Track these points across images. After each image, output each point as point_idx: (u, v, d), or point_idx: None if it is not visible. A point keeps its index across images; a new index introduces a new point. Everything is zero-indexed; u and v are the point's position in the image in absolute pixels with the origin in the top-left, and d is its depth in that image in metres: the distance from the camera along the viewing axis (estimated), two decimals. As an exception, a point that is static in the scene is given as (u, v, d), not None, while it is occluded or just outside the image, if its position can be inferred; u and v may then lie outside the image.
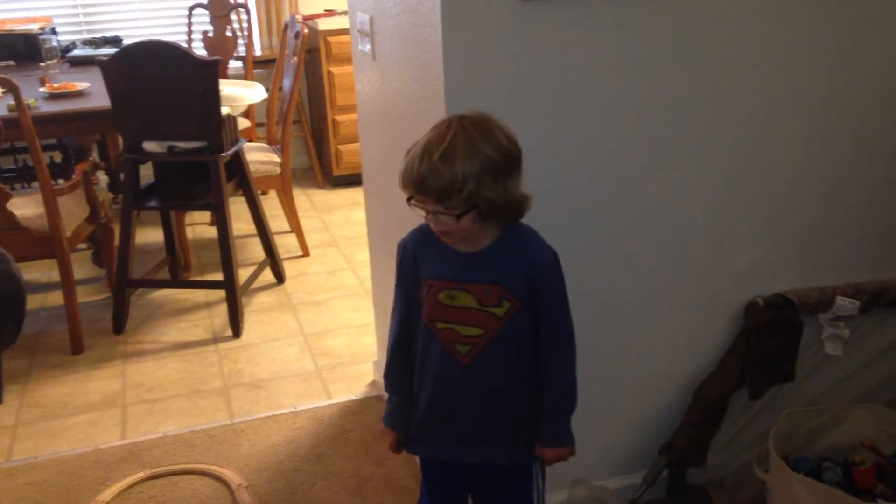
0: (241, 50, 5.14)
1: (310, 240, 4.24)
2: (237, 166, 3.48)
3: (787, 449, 2.18)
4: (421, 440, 1.71)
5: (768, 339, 2.14)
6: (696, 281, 2.13)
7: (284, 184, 4.07)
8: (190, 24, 5.11)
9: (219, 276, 3.44)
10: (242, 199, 3.65)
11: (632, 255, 2.06)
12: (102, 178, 4.71)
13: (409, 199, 1.50)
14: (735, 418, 2.23)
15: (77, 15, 5.13)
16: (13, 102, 3.02)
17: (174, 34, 5.13)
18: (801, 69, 2.02)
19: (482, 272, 1.52)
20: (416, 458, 2.42)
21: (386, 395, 1.77)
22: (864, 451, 2.20)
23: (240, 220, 4.26)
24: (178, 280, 3.84)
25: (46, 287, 3.87)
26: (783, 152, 2.08)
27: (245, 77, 5.02)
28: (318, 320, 3.47)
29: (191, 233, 4.40)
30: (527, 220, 1.92)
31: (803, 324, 2.17)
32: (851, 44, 2.04)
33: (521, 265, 1.54)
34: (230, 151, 3.30)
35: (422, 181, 1.42)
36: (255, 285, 3.76)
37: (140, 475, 2.48)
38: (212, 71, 3.07)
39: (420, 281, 1.58)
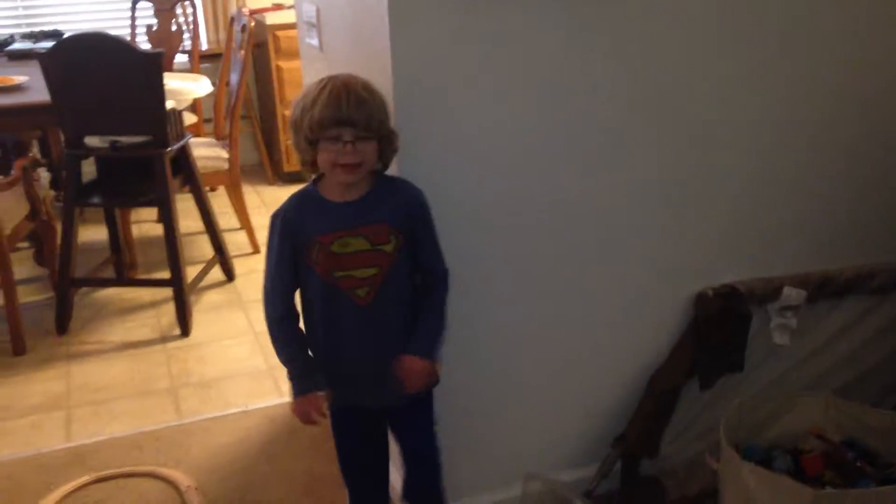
0: (187, 44, 5.05)
1: (260, 236, 4.18)
2: (184, 162, 3.42)
3: (738, 438, 2.20)
4: (340, 395, 1.81)
5: (717, 330, 2.16)
6: (646, 272, 2.14)
7: (233, 180, 4.01)
8: (133, 18, 5.00)
9: (166, 275, 3.37)
10: (190, 195, 3.59)
11: (581, 247, 2.06)
12: (44, 175, 4.59)
13: (315, 142, 1.63)
14: (686, 409, 2.25)
15: (16, 8, 5.00)
16: (-52, 97, 2.93)
17: (117, 28, 5.01)
18: (753, 63, 2.03)
19: (368, 215, 1.69)
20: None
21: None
22: (812, 440, 2.23)
23: (188, 217, 4.17)
24: (124, 278, 3.76)
25: (-14, 287, 3.76)
26: (732, 146, 2.09)
27: (191, 71, 4.94)
28: (269, 318, 3.42)
29: (136, 230, 4.30)
30: (474, 213, 1.93)
31: (752, 314, 2.18)
32: (805, 38, 2.06)
33: (400, 204, 1.72)
34: (175, 146, 3.24)
35: (353, 111, 1.60)
36: (204, 283, 3.70)
37: (85, 479, 2.42)
38: (155, 63, 3.01)
39: (309, 242, 1.70)
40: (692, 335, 2.17)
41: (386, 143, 1.69)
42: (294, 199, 1.76)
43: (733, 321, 2.17)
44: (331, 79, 1.64)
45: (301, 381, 1.79)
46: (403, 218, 1.72)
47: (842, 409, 2.26)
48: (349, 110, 1.60)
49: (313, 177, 1.75)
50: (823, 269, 2.26)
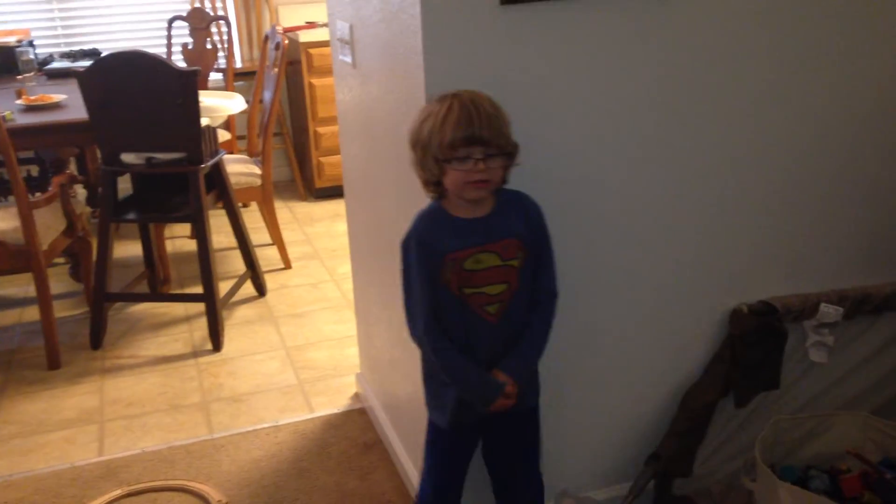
0: (222, 62, 5.11)
1: (291, 252, 4.21)
2: (217, 178, 3.45)
3: (774, 457, 2.17)
4: (461, 411, 1.78)
5: (753, 347, 2.13)
6: (681, 288, 2.11)
7: (266, 196, 4.04)
8: (169, 37, 5.07)
9: (198, 290, 3.39)
10: (223, 211, 3.62)
11: (617, 262, 2.04)
12: (80, 191, 4.66)
13: (445, 161, 1.61)
14: (721, 427, 2.22)
15: (55, 28, 5.10)
16: (-12, 114, 2.98)
17: (154, 47, 5.09)
18: (791, 77, 2.02)
19: (499, 230, 1.69)
20: (405, 467, 2.40)
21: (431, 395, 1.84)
22: (850, 459, 2.19)
23: (220, 232, 4.22)
24: (157, 294, 3.80)
25: (23, 302, 3.82)
26: (769, 160, 2.07)
27: (225, 89, 4.99)
28: (300, 333, 3.44)
29: (170, 246, 4.35)
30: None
31: (787, 331, 2.15)
32: (841, 51, 2.04)
33: (524, 217, 1.72)
34: (210, 163, 3.27)
35: (485, 129, 1.58)
36: (235, 298, 3.72)
37: (118, 492, 2.43)
38: (190, 81, 3.04)
39: (442, 261, 1.68)
40: (727, 352, 2.14)
41: (512, 157, 1.67)
42: (423, 219, 1.73)
43: (769, 338, 2.14)
44: (454, 96, 1.62)
45: (490, 388, 1.73)
46: (530, 232, 1.72)
47: (880, 429, 2.22)
48: (481, 129, 1.58)
49: (435, 193, 1.72)
50: (861, 286, 2.22)
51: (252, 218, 4.48)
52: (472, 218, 1.69)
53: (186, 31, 5.08)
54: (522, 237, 1.70)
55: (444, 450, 1.89)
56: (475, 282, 1.68)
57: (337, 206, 4.84)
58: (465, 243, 1.67)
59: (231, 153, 4.44)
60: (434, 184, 1.67)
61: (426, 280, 1.69)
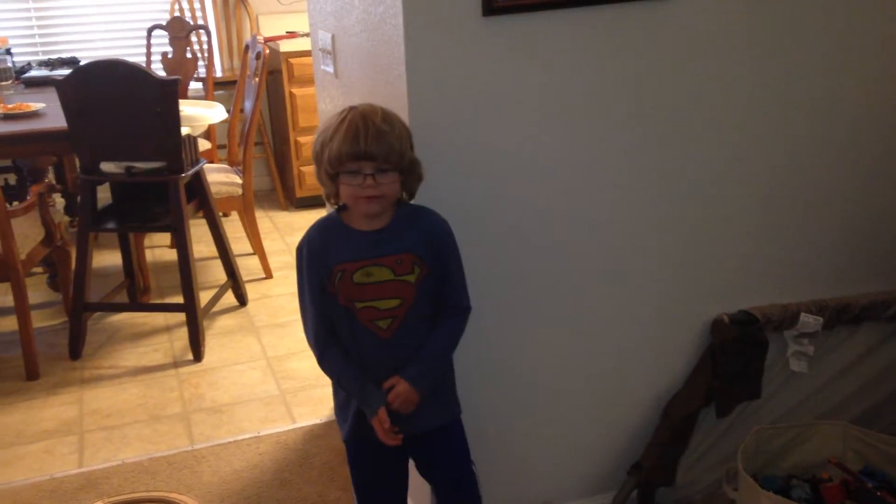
0: (202, 71, 5.09)
1: (272, 262, 4.19)
2: (198, 187, 3.44)
3: (756, 466, 2.18)
4: (359, 426, 1.76)
5: (734, 357, 2.14)
6: (662, 298, 2.12)
7: (246, 205, 4.02)
8: (149, 46, 5.04)
9: (179, 299, 3.37)
10: (203, 221, 3.60)
11: (597, 272, 2.05)
12: (59, 200, 4.62)
13: (335, 176, 1.62)
14: (703, 436, 2.23)
15: (33, 36, 5.06)
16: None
17: (133, 55, 5.06)
18: (773, 95, 2.04)
19: (393, 244, 1.67)
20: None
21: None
22: (831, 468, 2.21)
23: (201, 242, 4.20)
24: (137, 303, 3.77)
25: (0, 312, 3.77)
26: (750, 172, 2.09)
27: (206, 98, 4.97)
28: (282, 343, 3.42)
29: (150, 255, 4.32)
30: (488, 238, 1.92)
31: (768, 341, 2.17)
32: (819, 73, 2.07)
33: (423, 233, 1.69)
34: (190, 172, 3.25)
35: (372, 144, 1.57)
36: (216, 308, 3.70)
37: (97, 505, 2.41)
38: (171, 90, 3.03)
39: (331, 271, 1.67)
40: (708, 362, 2.15)
41: (408, 172, 1.66)
42: (317, 227, 1.74)
43: (750, 348, 2.15)
44: (350, 110, 1.62)
45: (366, 401, 1.71)
46: (428, 248, 1.68)
47: (860, 438, 2.24)
48: (367, 144, 1.57)
49: (336, 205, 1.73)
50: (840, 296, 2.24)
51: (233, 227, 4.45)
52: (366, 231, 1.67)
53: (166, 41, 5.06)
54: (418, 253, 1.67)
55: (357, 465, 1.86)
56: (365, 295, 1.66)
57: (317, 216, 4.78)
58: (356, 255, 1.66)
59: (211, 162, 4.42)
60: (335, 196, 1.68)
61: (315, 288, 1.70)
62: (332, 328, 1.73)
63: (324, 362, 1.75)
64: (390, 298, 1.66)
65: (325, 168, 1.63)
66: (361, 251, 1.66)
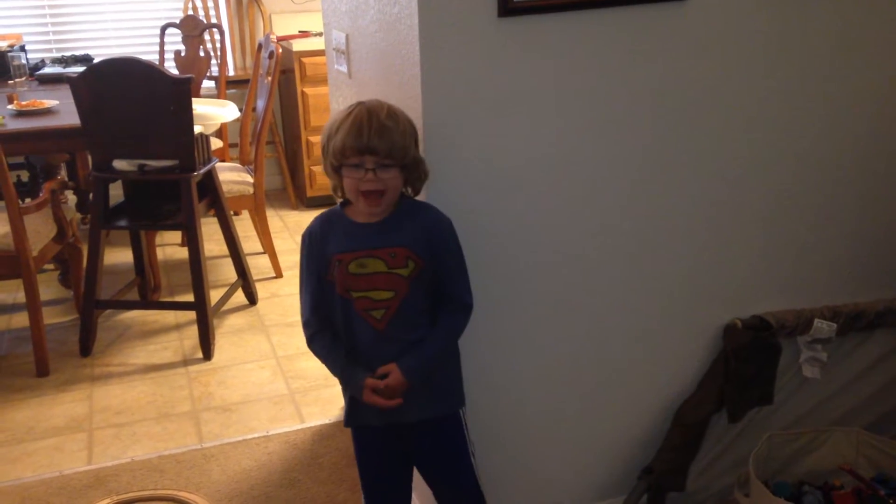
0: (214, 70, 5.10)
1: (283, 261, 4.19)
2: (209, 186, 3.44)
3: (767, 472, 2.16)
4: (354, 413, 1.82)
5: (746, 362, 2.13)
6: (675, 303, 2.11)
7: (257, 204, 4.03)
8: (162, 44, 5.05)
9: (189, 298, 3.37)
10: (214, 219, 3.60)
11: (610, 277, 2.04)
12: (71, 197, 4.64)
13: (339, 168, 1.66)
14: (714, 442, 2.21)
15: (47, 33, 5.07)
16: (-21, 119, 2.96)
17: (146, 53, 5.07)
18: (785, 99, 2.02)
19: (388, 237, 1.70)
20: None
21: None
22: (843, 475, 2.19)
23: (212, 240, 4.20)
24: (148, 301, 3.77)
25: (12, 308, 3.79)
26: (763, 177, 2.08)
27: (218, 97, 4.98)
28: (292, 342, 3.42)
29: (161, 253, 4.33)
30: (501, 242, 1.91)
31: (781, 346, 2.15)
32: (830, 78, 2.05)
33: (420, 228, 1.72)
34: (202, 170, 3.25)
35: (374, 139, 1.61)
36: (226, 307, 3.70)
37: (106, 501, 2.41)
38: (184, 88, 3.03)
39: (329, 260, 1.72)
40: (721, 366, 2.14)
41: (411, 169, 1.69)
42: (320, 218, 1.80)
43: (762, 353, 2.14)
44: (358, 105, 1.66)
45: (351, 379, 1.76)
46: (424, 243, 1.71)
47: (873, 445, 2.22)
48: (370, 138, 1.61)
49: (341, 200, 1.76)
50: (854, 302, 2.23)
51: (243, 226, 4.46)
52: (364, 223, 1.72)
53: (179, 39, 5.07)
54: (413, 248, 1.70)
55: (361, 454, 1.91)
56: (360, 285, 1.70)
57: (328, 215, 4.80)
58: (352, 246, 1.71)
59: (223, 161, 4.42)
60: (341, 189, 1.72)
61: (313, 275, 1.76)
62: (327, 315, 1.78)
63: (313, 344, 1.80)
64: (383, 290, 1.70)
65: (329, 160, 1.68)
66: (357, 242, 1.71)
